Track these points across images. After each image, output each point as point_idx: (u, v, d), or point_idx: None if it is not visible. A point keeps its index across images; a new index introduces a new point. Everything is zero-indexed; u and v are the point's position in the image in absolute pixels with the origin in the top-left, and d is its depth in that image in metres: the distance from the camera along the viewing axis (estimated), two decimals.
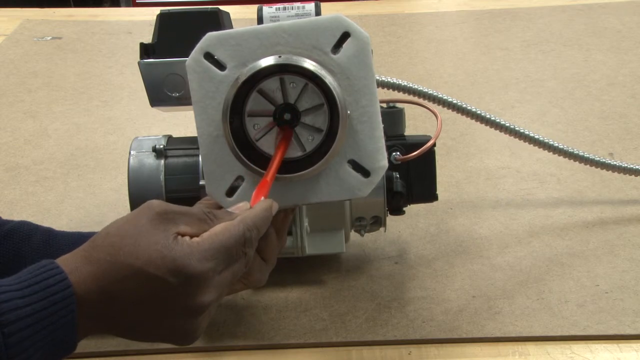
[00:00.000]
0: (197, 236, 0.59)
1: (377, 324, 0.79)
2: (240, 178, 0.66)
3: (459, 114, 0.84)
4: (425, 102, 0.83)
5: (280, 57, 0.64)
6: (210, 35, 0.65)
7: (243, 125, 0.65)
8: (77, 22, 1.69)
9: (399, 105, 0.85)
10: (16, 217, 1.00)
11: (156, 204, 0.60)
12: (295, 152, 0.66)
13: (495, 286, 0.84)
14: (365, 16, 1.70)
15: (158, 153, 0.81)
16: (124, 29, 1.64)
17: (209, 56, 0.65)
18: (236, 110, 0.65)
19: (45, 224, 0.98)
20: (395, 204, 0.82)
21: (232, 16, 0.80)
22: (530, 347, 0.76)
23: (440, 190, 0.85)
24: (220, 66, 0.65)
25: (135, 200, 0.80)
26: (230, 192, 0.66)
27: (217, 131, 0.65)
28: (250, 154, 0.65)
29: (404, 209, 0.84)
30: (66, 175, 1.10)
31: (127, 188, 0.80)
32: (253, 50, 0.65)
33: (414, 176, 0.83)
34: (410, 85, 0.81)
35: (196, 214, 0.61)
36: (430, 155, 0.83)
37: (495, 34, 1.58)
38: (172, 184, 0.80)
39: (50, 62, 1.49)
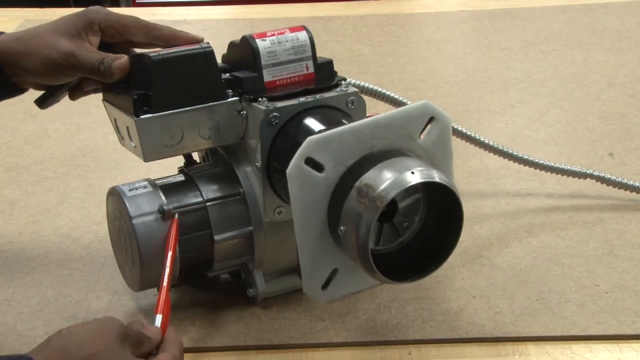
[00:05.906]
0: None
1: (377, 324, 0.79)
2: (334, 270, 0.67)
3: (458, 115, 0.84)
4: None
5: (413, 173, 0.61)
6: (312, 140, 0.63)
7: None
8: None
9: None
10: (16, 217, 1.00)
11: (118, 324, 0.63)
12: (390, 243, 0.66)
13: (495, 286, 0.84)
14: (365, 16, 1.70)
15: (166, 215, 0.76)
16: None
17: (309, 161, 0.64)
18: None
19: (45, 224, 0.98)
20: None
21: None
22: (530, 347, 0.76)
23: None
24: (319, 168, 0.64)
25: (147, 272, 0.76)
26: (325, 285, 0.67)
27: (318, 230, 0.65)
28: None
29: None
30: (66, 175, 1.10)
31: None
32: (350, 147, 0.64)
33: None
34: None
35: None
36: None
37: (495, 34, 1.58)
38: (186, 245, 0.76)
39: None
